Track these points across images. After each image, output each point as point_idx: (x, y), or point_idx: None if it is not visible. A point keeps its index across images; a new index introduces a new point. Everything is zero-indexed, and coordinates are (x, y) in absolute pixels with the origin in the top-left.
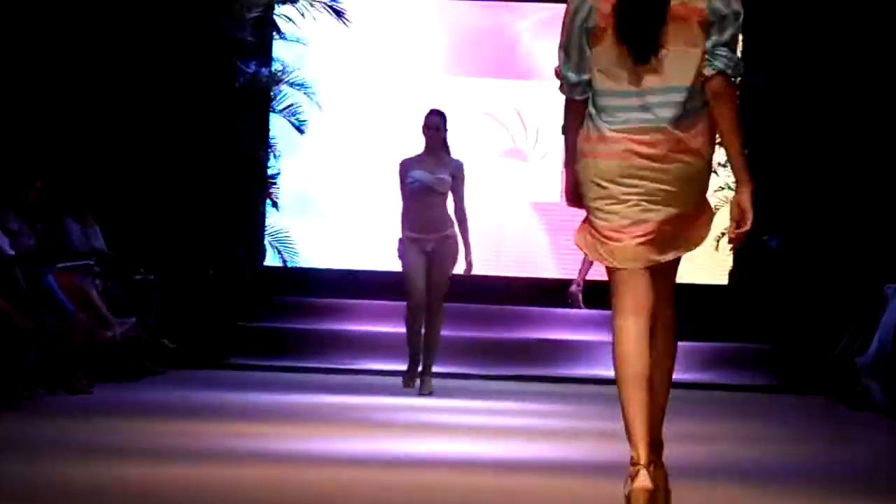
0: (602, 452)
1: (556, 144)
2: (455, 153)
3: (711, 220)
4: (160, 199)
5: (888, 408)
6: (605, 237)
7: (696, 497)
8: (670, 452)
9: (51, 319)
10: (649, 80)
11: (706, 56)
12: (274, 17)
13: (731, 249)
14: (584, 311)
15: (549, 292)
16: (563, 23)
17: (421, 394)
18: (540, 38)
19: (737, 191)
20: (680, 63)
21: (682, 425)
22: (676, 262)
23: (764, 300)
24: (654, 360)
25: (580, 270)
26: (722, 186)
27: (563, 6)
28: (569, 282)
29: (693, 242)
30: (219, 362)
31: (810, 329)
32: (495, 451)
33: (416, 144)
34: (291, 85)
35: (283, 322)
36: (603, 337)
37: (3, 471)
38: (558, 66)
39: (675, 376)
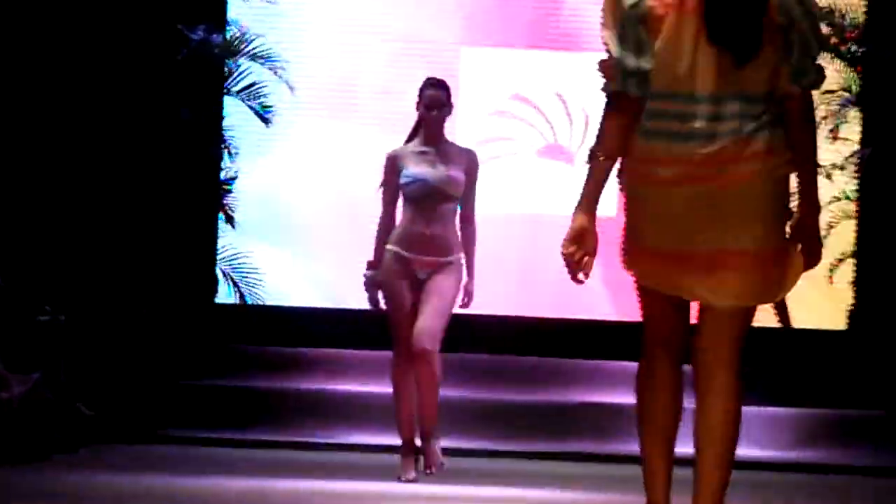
0: None
1: None
2: (474, 149)
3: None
4: (74, 213)
5: None
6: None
7: None
8: None
9: None
10: (729, 84)
11: (789, 68)
12: None
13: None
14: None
15: (598, 338)
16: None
17: (427, 470)
18: None
19: (807, 218)
20: (759, 67)
21: None
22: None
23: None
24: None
25: None
26: (838, 196)
27: None
28: (625, 324)
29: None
30: (153, 435)
31: None
32: None
33: None
34: (253, 58)
35: (239, 379)
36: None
37: None
38: (608, 50)
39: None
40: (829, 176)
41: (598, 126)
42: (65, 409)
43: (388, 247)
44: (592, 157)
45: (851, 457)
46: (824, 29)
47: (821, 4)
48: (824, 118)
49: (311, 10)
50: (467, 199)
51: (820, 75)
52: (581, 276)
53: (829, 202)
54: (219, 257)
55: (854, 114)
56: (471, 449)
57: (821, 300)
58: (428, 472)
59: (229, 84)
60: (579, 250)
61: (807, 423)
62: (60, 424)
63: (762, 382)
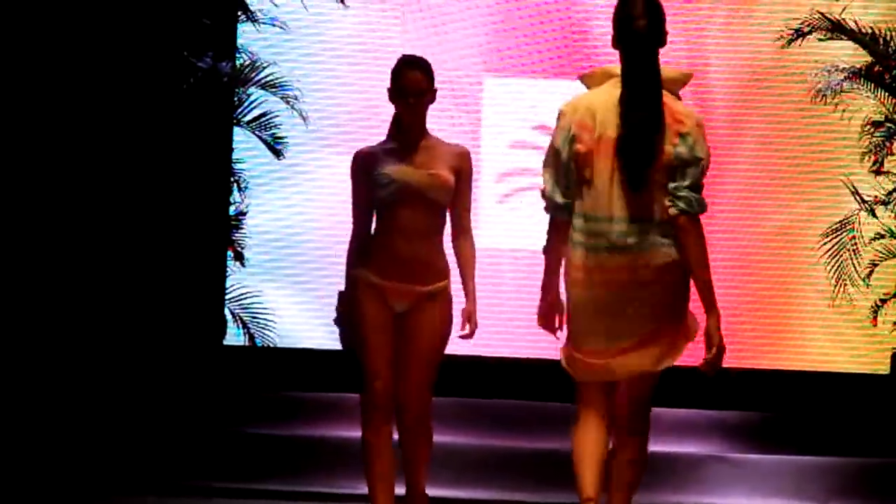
0: None
1: None
2: (491, 179)
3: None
4: (67, 250)
5: None
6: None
7: None
8: None
9: None
10: (625, 210)
11: (669, 196)
12: None
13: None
14: (679, 412)
15: None
16: (550, 142)
17: None
18: None
19: (708, 321)
20: (651, 197)
21: None
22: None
23: None
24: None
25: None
26: (881, 233)
27: None
28: None
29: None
30: (179, 485)
31: None
32: None
33: None
34: (264, 87)
35: (254, 426)
36: (703, 448)
37: None
38: (543, 186)
39: None
40: (872, 212)
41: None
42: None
43: (356, 272)
44: (544, 253)
45: None
46: (866, 57)
47: (863, 31)
48: (867, 152)
49: (325, 37)
50: (460, 206)
51: (696, 201)
52: (558, 333)
53: (872, 239)
54: (227, 297)
55: None
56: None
57: (863, 343)
58: None
59: (239, 114)
60: (551, 320)
61: (844, 472)
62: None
63: (798, 430)
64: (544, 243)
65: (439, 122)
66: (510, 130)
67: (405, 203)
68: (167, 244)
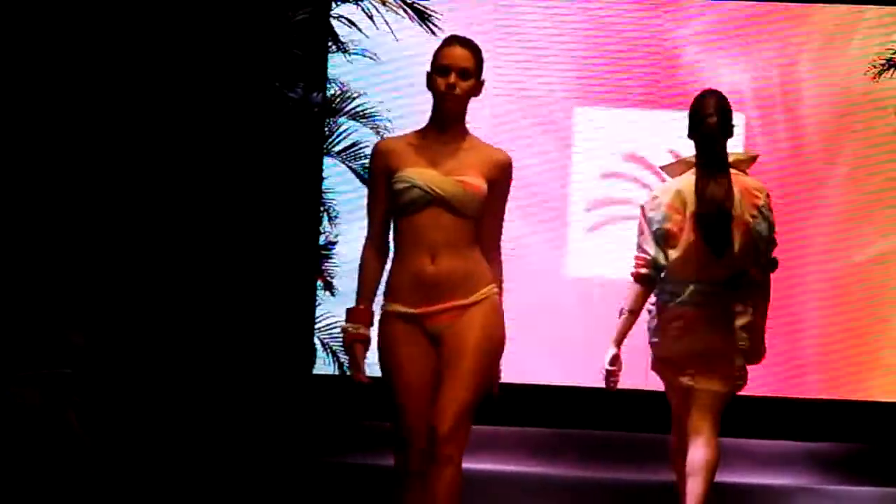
0: None
1: None
2: (581, 208)
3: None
4: (165, 278)
5: None
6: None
7: None
8: None
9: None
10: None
11: (754, 265)
12: (330, 19)
13: None
14: (772, 443)
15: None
16: (640, 225)
17: None
18: (708, 48)
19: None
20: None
21: None
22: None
23: None
24: None
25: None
26: None
27: (742, 4)
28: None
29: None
30: None
31: None
32: None
33: (535, 199)
34: (354, 117)
35: (347, 455)
36: (795, 480)
37: None
38: (643, 250)
39: None
40: None
41: (628, 295)
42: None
43: (385, 308)
44: (623, 313)
45: None
46: None
47: None
48: None
49: (415, 67)
50: (489, 223)
51: (771, 264)
52: (612, 385)
53: None
54: (317, 326)
55: None
56: None
57: None
58: None
59: (329, 144)
60: (614, 370)
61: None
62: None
63: (890, 461)
64: (626, 302)
65: (529, 151)
66: (600, 160)
67: (428, 212)
68: (258, 274)
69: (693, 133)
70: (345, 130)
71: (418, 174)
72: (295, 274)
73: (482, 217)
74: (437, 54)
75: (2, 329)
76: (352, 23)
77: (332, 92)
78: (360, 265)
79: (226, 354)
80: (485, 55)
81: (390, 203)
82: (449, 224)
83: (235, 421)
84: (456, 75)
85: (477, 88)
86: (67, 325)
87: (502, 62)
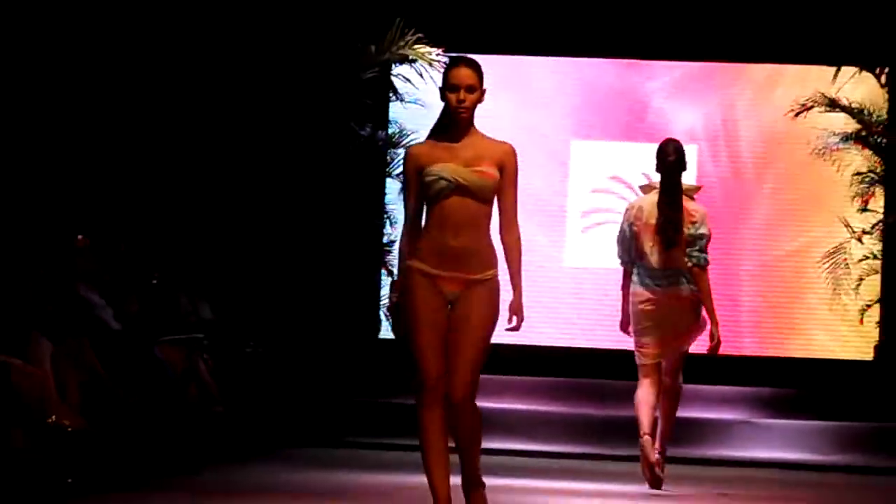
0: None
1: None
2: (577, 216)
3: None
4: (269, 268)
5: None
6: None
7: None
8: None
9: (157, 394)
10: (662, 264)
11: (687, 256)
12: (392, 77)
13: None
14: (717, 388)
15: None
16: (620, 226)
17: None
18: (671, 97)
19: (711, 326)
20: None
21: None
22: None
23: None
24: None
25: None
26: (867, 255)
27: (696, 65)
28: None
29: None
30: (335, 440)
31: None
32: None
33: (542, 208)
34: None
35: (403, 398)
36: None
37: None
38: (618, 253)
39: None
40: (859, 239)
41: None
42: (263, 420)
43: (410, 263)
44: (622, 289)
45: (875, 460)
46: (855, 125)
47: (853, 105)
48: (856, 195)
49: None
50: (505, 201)
51: (704, 262)
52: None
53: (860, 260)
54: (381, 302)
55: (879, 191)
56: (538, 451)
57: (853, 337)
58: None
59: (389, 169)
60: (625, 327)
61: (839, 432)
62: (260, 433)
63: (803, 401)
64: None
65: (533, 174)
66: (591, 179)
67: (453, 198)
68: (339, 264)
69: (658, 167)
70: (401, 159)
71: (442, 168)
72: (365, 264)
73: (501, 198)
74: (447, 74)
75: (152, 306)
76: (407, 79)
77: (392, 130)
78: (399, 247)
79: (316, 325)
80: (505, 103)
81: (421, 194)
82: (469, 207)
83: (324, 371)
84: (464, 91)
85: (481, 97)
86: (200, 302)
87: (519, 107)
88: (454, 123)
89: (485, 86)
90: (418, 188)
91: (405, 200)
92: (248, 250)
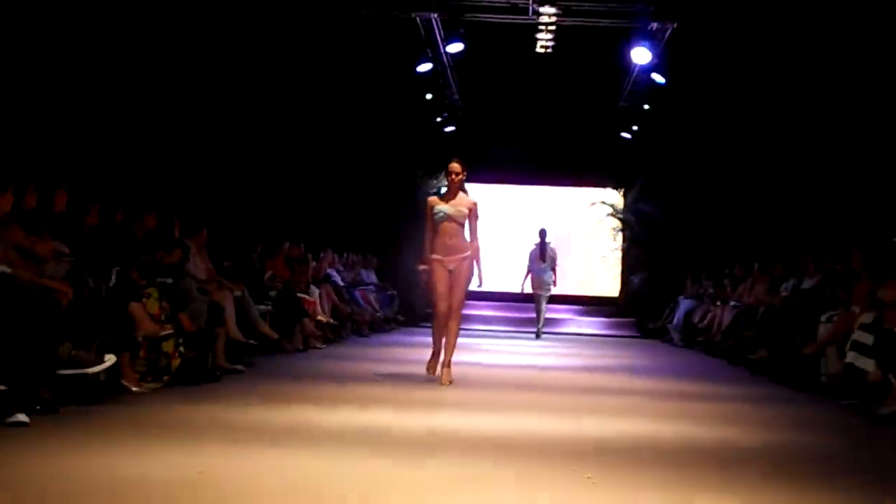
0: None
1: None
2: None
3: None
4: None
5: (682, 345)
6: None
7: None
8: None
9: (357, 312)
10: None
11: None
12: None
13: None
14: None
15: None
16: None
17: (441, 383)
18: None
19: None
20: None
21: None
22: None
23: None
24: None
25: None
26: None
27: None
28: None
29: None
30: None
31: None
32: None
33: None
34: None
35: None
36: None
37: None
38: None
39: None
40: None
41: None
42: (395, 322)
43: (433, 256)
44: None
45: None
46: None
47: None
48: (613, 228)
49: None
50: (473, 225)
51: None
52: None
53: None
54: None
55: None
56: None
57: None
58: (443, 384)
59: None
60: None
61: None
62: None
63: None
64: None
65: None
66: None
67: (446, 223)
68: (398, 255)
69: (446, 177)
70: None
71: (441, 207)
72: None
73: (470, 224)
74: (447, 167)
75: (237, 267)
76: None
77: (440, 177)
78: (425, 246)
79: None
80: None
81: (432, 220)
82: (455, 226)
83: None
84: (455, 175)
85: (464, 177)
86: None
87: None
88: (450, 188)
89: (465, 171)
90: (431, 217)
91: (426, 223)
92: (347, 241)
